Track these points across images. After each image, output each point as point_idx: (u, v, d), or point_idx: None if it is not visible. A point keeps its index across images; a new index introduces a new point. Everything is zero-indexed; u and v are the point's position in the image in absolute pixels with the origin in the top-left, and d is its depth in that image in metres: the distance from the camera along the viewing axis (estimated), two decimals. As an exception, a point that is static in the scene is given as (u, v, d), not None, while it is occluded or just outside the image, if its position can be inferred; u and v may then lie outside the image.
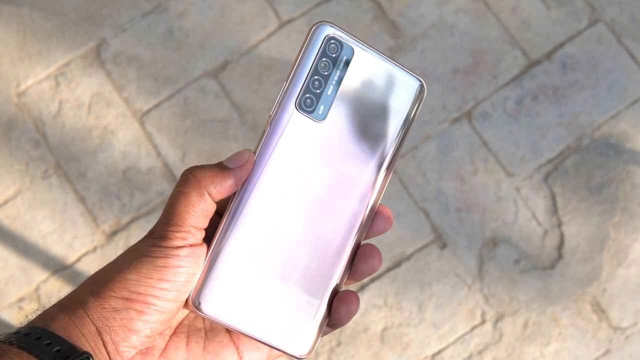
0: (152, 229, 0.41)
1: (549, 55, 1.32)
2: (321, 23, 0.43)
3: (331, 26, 0.43)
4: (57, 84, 1.34)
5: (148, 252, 0.40)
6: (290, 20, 1.35)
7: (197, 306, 0.41)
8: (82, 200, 1.30)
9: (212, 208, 0.42)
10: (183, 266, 0.40)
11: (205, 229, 0.42)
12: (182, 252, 0.40)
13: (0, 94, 1.34)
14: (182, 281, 0.41)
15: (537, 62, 1.32)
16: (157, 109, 1.33)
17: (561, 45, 1.33)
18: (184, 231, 0.40)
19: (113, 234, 1.28)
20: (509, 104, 1.31)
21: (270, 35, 1.35)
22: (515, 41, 1.33)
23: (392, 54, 1.33)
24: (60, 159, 1.31)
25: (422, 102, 0.45)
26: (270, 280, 0.42)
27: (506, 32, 1.33)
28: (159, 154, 1.31)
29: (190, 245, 0.41)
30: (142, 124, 1.32)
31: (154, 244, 0.40)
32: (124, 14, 1.37)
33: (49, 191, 1.30)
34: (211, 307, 0.42)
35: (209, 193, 0.41)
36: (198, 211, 0.41)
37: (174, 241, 0.40)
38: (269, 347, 0.43)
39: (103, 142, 1.32)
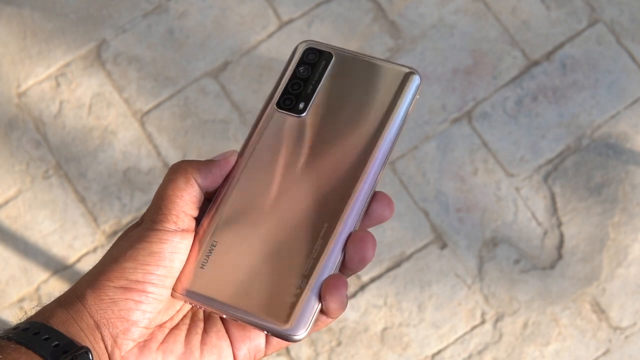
0: (142, 216, 0.42)
1: (548, 55, 1.32)
2: (305, 42, 0.47)
3: (312, 41, 0.47)
4: (58, 84, 1.35)
5: (141, 237, 0.40)
6: (290, 21, 1.36)
7: (176, 289, 0.41)
8: (82, 200, 1.30)
9: (199, 195, 0.42)
10: (176, 251, 0.41)
11: (196, 218, 0.43)
12: (176, 237, 0.41)
13: (1, 94, 1.35)
14: (177, 267, 0.41)
15: (536, 63, 1.32)
16: (157, 110, 1.33)
17: (561, 45, 1.33)
18: (174, 214, 0.41)
19: (113, 234, 1.28)
20: (509, 104, 1.31)
21: (270, 36, 1.35)
22: (515, 41, 1.33)
23: (392, 55, 1.33)
24: (61, 159, 1.31)
25: (415, 90, 0.45)
26: (251, 260, 0.42)
27: (506, 32, 1.34)
28: (159, 154, 1.31)
29: (182, 231, 0.41)
30: (142, 124, 1.33)
31: (147, 227, 0.41)
32: (124, 15, 1.37)
33: (50, 191, 1.30)
34: (189, 288, 0.41)
35: (195, 179, 0.42)
36: (186, 196, 0.42)
37: (166, 223, 0.41)
38: (262, 335, 0.42)
39: (103, 142, 1.32)
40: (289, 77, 0.46)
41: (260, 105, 1.32)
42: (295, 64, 0.46)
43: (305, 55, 0.46)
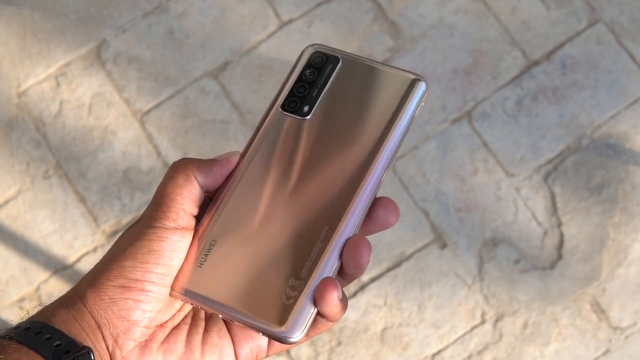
0: (142, 214, 0.42)
1: (548, 55, 1.32)
2: (312, 45, 0.47)
3: (320, 45, 0.47)
4: (58, 84, 1.35)
5: (141, 235, 0.40)
6: (290, 21, 1.36)
7: (174, 287, 0.41)
8: (82, 200, 1.30)
9: (199, 193, 0.42)
10: (176, 250, 0.41)
11: (196, 217, 0.43)
12: (175, 235, 0.41)
13: (1, 94, 1.35)
14: (176, 265, 0.41)
15: (536, 63, 1.32)
16: (157, 109, 1.33)
17: (561, 45, 1.33)
18: (174, 212, 0.41)
19: (113, 234, 1.28)
20: (509, 104, 1.31)
21: (270, 36, 1.35)
22: (515, 41, 1.33)
23: (392, 55, 1.33)
24: (61, 159, 1.31)
25: (420, 96, 0.45)
26: (249, 260, 0.42)
27: (506, 32, 1.34)
28: (159, 154, 1.31)
29: (182, 228, 0.41)
30: (142, 124, 1.33)
31: (146, 224, 0.41)
32: (124, 15, 1.37)
33: (50, 191, 1.30)
34: (187, 287, 0.41)
35: (195, 177, 0.42)
36: (185, 194, 0.41)
37: (165, 221, 0.41)
38: (263, 336, 0.42)
39: (103, 142, 1.32)
40: (294, 80, 0.46)
41: (260, 105, 1.32)
42: (302, 67, 0.46)
43: (312, 59, 0.46)
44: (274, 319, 0.41)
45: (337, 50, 0.46)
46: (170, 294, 0.41)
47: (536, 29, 1.34)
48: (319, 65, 0.46)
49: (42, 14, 1.38)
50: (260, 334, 0.41)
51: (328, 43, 0.47)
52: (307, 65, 0.46)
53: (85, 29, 1.37)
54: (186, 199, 0.41)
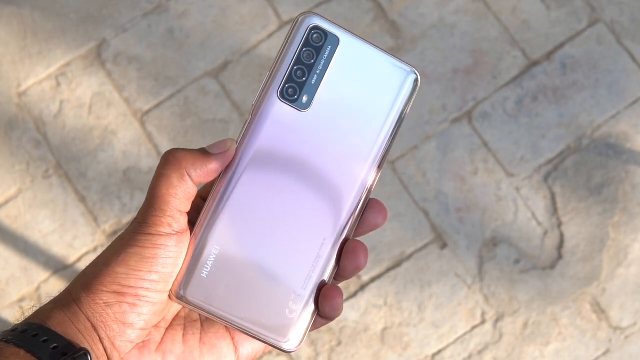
0: (137, 215, 0.41)
1: (548, 55, 1.32)
2: (306, 14, 0.43)
3: (316, 17, 0.43)
4: (58, 84, 1.35)
5: (135, 241, 0.40)
6: (290, 21, 1.35)
7: (177, 294, 0.41)
8: (82, 200, 1.30)
9: (193, 191, 0.41)
10: (170, 256, 0.40)
11: (188, 213, 0.42)
12: (169, 242, 0.40)
13: (1, 94, 1.35)
14: (169, 272, 0.41)
15: (537, 63, 1.32)
16: (157, 109, 1.33)
17: (561, 45, 1.33)
18: (168, 216, 0.40)
19: (114, 233, 1.28)
20: (509, 104, 1.31)
21: (270, 36, 1.35)
22: (515, 41, 1.33)
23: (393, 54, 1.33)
24: (61, 159, 1.32)
25: (416, 90, 0.44)
26: (253, 270, 0.42)
27: (506, 32, 1.34)
28: (159, 153, 1.31)
29: (176, 233, 0.40)
30: (142, 124, 1.33)
31: (140, 231, 0.40)
32: (124, 14, 1.37)
33: (50, 191, 1.30)
34: (191, 295, 0.41)
35: (189, 175, 0.40)
36: (180, 194, 0.40)
37: (160, 227, 0.40)
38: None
39: (104, 142, 1.32)
40: (292, 60, 0.42)
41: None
42: (299, 45, 0.42)
43: (311, 36, 0.42)
44: (278, 332, 0.42)
45: (334, 24, 0.43)
46: (171, 299, 0.41)
47: (536, 29, 1.33)
48: (317, 45, 0.42)
49: (42, 14, 1.38)
50: (264, 344, 0.42)
51: (330, 20, 0.44)
52: (306, 43, 0.42)
53: (86, 29, 1.37)
54: (180, 200, 0.40)
